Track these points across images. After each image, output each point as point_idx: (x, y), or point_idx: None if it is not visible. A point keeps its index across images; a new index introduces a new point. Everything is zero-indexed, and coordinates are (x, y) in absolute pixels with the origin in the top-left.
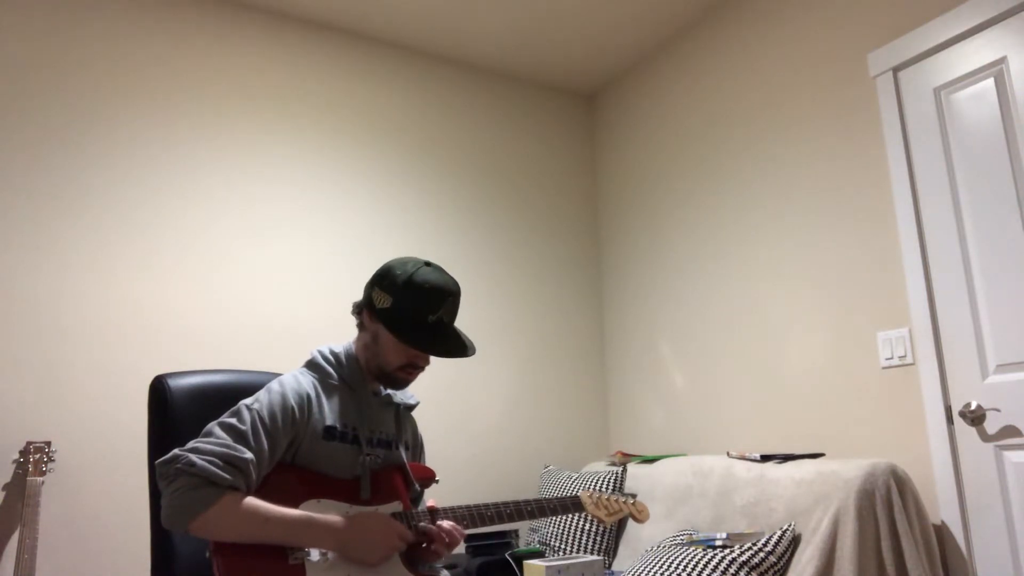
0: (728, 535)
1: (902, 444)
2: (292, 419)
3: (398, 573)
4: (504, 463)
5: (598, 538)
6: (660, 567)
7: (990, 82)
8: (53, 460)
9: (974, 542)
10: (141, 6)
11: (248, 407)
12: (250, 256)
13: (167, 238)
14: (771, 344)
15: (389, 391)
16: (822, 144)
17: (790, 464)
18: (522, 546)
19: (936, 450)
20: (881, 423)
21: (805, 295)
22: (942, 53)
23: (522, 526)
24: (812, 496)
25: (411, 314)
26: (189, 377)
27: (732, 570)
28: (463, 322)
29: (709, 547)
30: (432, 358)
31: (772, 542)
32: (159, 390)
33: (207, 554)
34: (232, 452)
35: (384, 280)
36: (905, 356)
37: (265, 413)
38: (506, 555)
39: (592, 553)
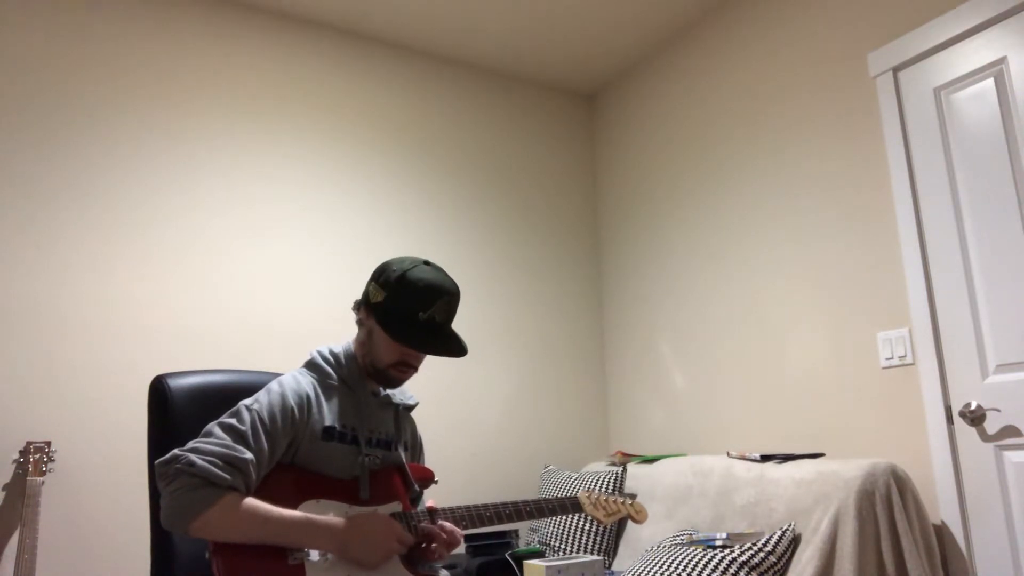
0: (728, 535)
1: (902, 444)
2: (291, 419)
3: (398, 573)
4: (504, 463)
5: (598, 538)
6: (660, 567)
7: (990, 82)
8: (53, 460)
9: (974, 542)
10: (140, 6)
11: (248, 407)
12: (250, 256)
13: (167, 238)
14: (771, 344)
15: (388, 391)
16: (822, 144)
17: (790, 464)
18: (522, 546)
19: (936, 450)
20: (881, 423)
21: (805, 295)
22: (942, 53)
23: (522, 526)
24: (812, 496)
25: (403, 311)
26: (189, 377)
27: (732, 570)
28: (464, 322)
29: (709, 547)
30: (428, 358)
31: (772, 542)
32: (159, 390)
33: (207, 554)
34: (232, 452)
35: (380, 276)
36: (905, 356)
37: (265, 414)
38: (506, 555)
39: (592, 553)
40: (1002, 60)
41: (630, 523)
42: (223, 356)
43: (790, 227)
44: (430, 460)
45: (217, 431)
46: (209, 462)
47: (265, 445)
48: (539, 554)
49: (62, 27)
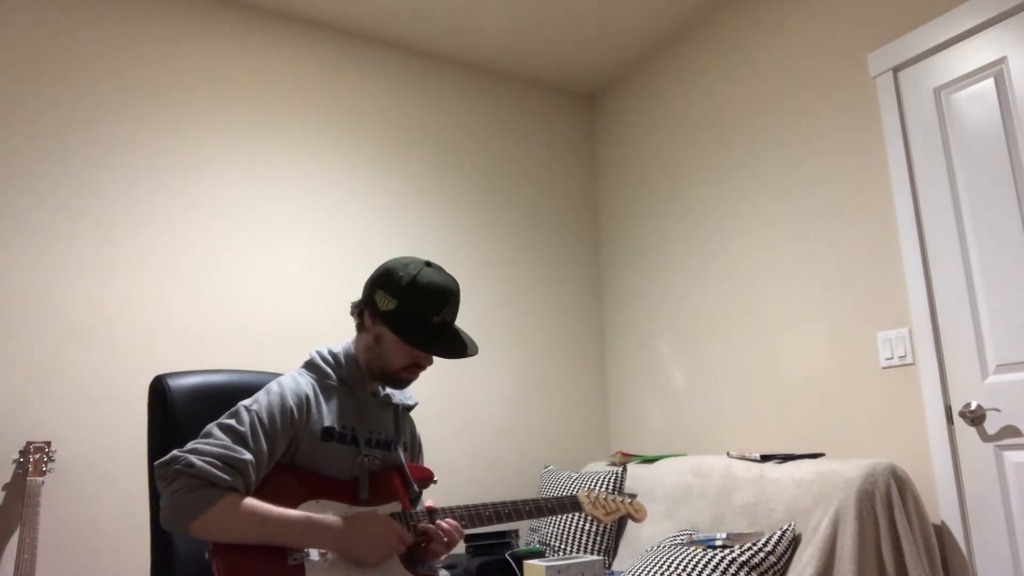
0: (728, 535)
1: (902, 444)
2: (291, 420)
3: (397, 573)
4: (504, 463)
5: (598, 538)
6: (660, 567)
7: (990, 82)
8: (53, 460)
9: (974, 542)
10: (139, 6)
11: (247, 408)
12: (250, 256)
13: (167, 237)
14: (771, 344)
15: (388, 391)
16: (822, 144)
17: (790, 464)
18: (522, 546)
19: (936, 450)
20: (881, 423)
21: (805, 295)
22: (942, 53)
23: (522, 526)
24: (812, 496)
25: (416, 316)
26: (189, 377)
27: (732, 570)
28: (464, 321)
29: (709, 547)
30: (434, 357)
31: (772, 542)
32: (159, 390)
33: (206, 555)
34: (231, 453)
35: (387, 282)
36: (905, 356)
37: (264, 414)
38: (506, 555)
39: (592, 553)
40: (1002, 60)
41: (630, 523)
42: (223, 356)
43: (790, 227)
44: (430, 460)
45: (216, 432)
46: (208, 463)
47: (264, 446)
48: (539, 554)
49: (62, 27)
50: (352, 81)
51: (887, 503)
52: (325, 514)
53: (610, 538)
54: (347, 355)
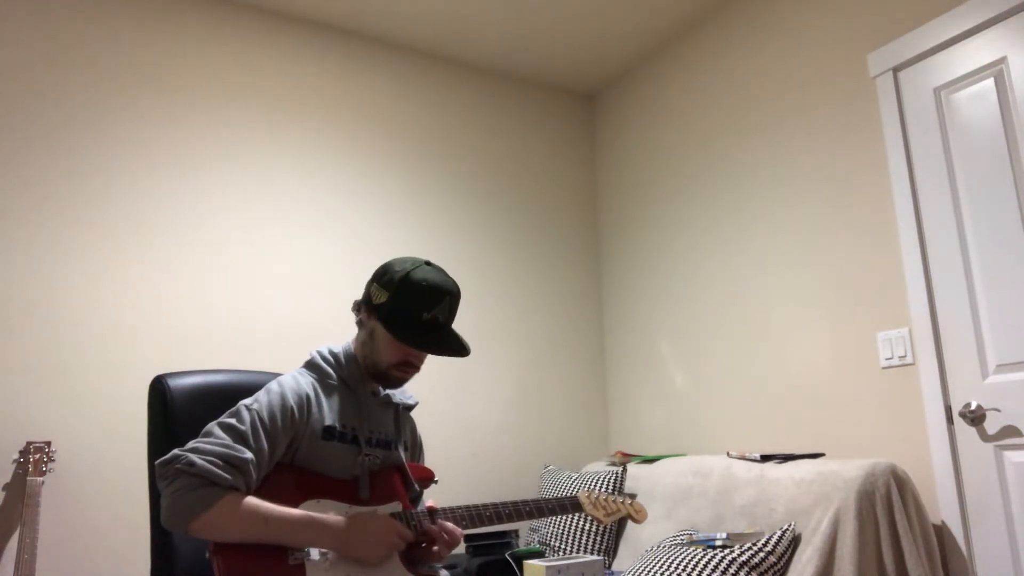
0: (728, 535)
1: (902, 444)
2: (291, 419)
3: (398, 573)
4: (504, 463)
5: (598, 538)
6: (660, 567)
7: (990, 82)
8: (53, 460)
9: (974, 542)
10: (138, 5)
11: (248, 407)
12: (251, 256)
13: (167, 237)
14: (771, 344)
15: (388, 391)
16: (822, 144)
17: (790, 464)
18: (522, 546)
19: (936, 450)
20: (881, 423)
21: (805, 295)
22: (942, 53)
23: (522, 526)
24: (812, 496)
25: (407, 311)
26: (189, 377)
27: (732, 570)
28: (464, 322)
29: (709, 547)
30: (429, 358)
31: (772, 542)
32: (159, 390)
33: (207, 554)
34: (232, 452)
35: (383, 277)
36: (905, 356)
37: (265, 413)
38: (506, 555)
39: (592, 553)
40: (1002, 60)
41: (630, 523)
42: (223, 356)
43: (790, 227)
44: (430, 460)
45: (217, 431)
46: (209, 462)
47: (265, 445)
48: (539, 554)
49: (61, 26)
50: (352, 81)
51: (887, 503)
52: (326, 513)
53: (610, 538)
54: (347, 355)
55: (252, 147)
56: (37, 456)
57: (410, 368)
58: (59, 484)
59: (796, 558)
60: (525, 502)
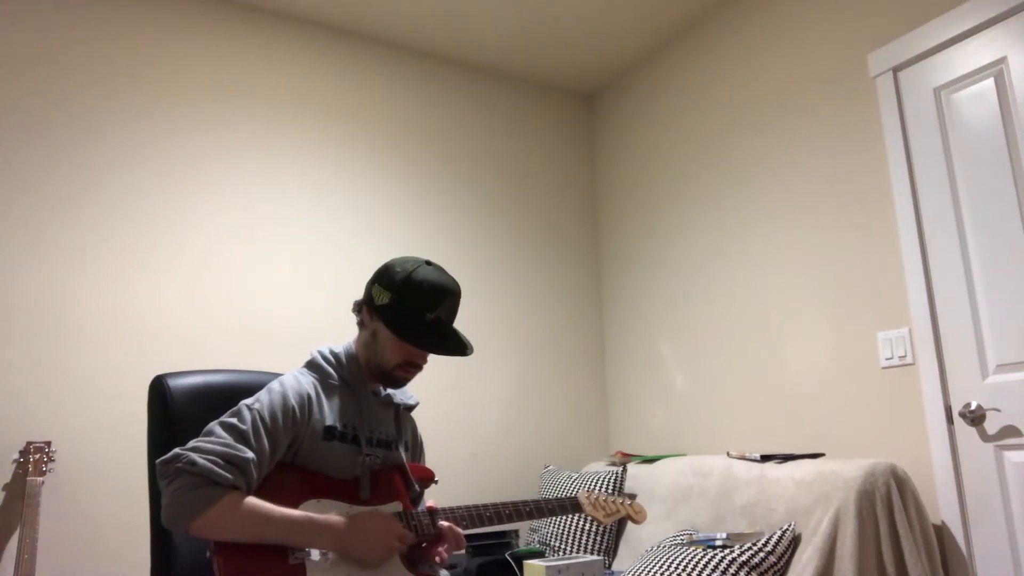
0: (728, 535)
1: (902, 444)
2: (292, 419)
3: (398, 573)
4: (504, 463)
5: (598, 538)
6: (660, 567)
7: (990, 82)
8: (53, 460)
9: (974, 542)
10: (138, 5)
11: (249, 407)
12: (250, 256)
13: (167, 237)
14: (771, 344)
15: (389, 391)
16: (822, 144)
17: (790, 464)
18: (522, 546)
19: (936, 450)
20: (881, 423)
21: (805, 295)
22: (942, 53)
23: (522, 526)
24: (812, 496)
25: (410, 311)
26: (189, 377)
27: (732, 570)
28: (464, 321)
29: (709, 547)
30: (431, 357)
31: (772, 542)
32: (159, 390)
33: (207, 554)
34: (233, 452)
35: (384, 277)
36: (905, 356)
37: (266, 413)
38: (506, 555)
39: (592, 553)
40: (1002, 60)
41: (630, 523)
42: (223, 356)
43: (790, 227)
44: (430, 460)
45: (218, 430)
46: (210, 461)
47: (266, 444)
48: (539, 554)
49: (60, 26)
50: (353, 81)
51: (887, 503)
52: (326, 513)
53: (610, 538)
54: (348, 355)
55: (252, 147)
56: (37, 456)
57: (414, 368)
58: (59, 484)
59: (796, 558)
60: (525, 502)
